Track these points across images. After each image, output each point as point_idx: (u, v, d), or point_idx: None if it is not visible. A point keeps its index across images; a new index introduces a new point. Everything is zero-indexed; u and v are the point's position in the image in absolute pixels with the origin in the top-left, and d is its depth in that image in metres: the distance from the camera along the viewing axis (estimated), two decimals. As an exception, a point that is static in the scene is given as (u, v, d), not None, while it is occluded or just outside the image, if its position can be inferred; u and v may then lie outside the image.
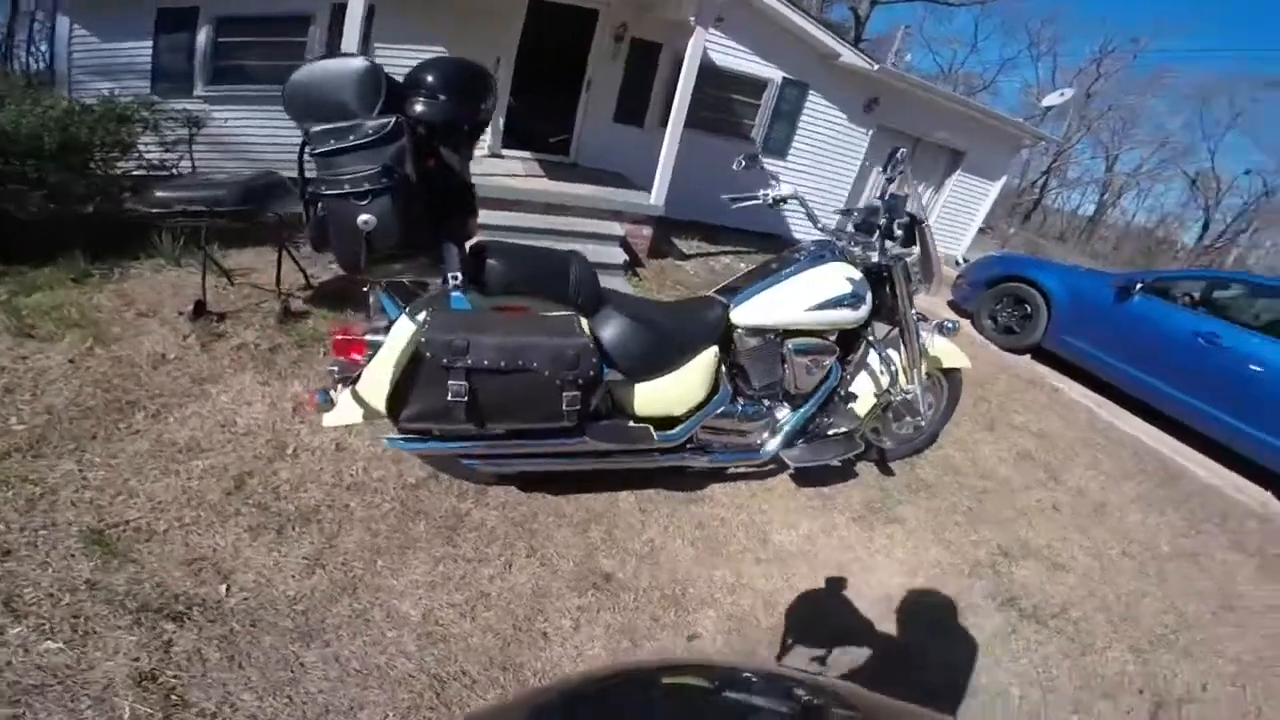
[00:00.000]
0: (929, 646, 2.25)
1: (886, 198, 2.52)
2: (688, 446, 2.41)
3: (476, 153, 6.94)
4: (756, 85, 7.84)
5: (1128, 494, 3.82)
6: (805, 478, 2.89)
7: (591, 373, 1.88)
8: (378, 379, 1.88)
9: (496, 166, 5.98)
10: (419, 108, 1.77)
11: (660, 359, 2.25)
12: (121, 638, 1.61)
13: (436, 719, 1.61)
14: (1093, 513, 3.47)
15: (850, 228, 2.64)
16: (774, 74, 7.84)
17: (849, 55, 7.82)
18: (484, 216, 4.75)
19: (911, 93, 8.70)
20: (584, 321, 2.00)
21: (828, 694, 0.63)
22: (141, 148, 4.61)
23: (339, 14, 4.72)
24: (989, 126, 9.78)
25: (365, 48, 5.65)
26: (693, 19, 5.21)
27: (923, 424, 2.92)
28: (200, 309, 3.15)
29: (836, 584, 2.43)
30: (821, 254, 2.55)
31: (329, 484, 2.27)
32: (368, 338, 2.00)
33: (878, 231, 2.51)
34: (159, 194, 3.06)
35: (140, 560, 1.83)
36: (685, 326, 2.32)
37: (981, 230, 11.38)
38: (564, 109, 7.31)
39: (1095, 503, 3.59)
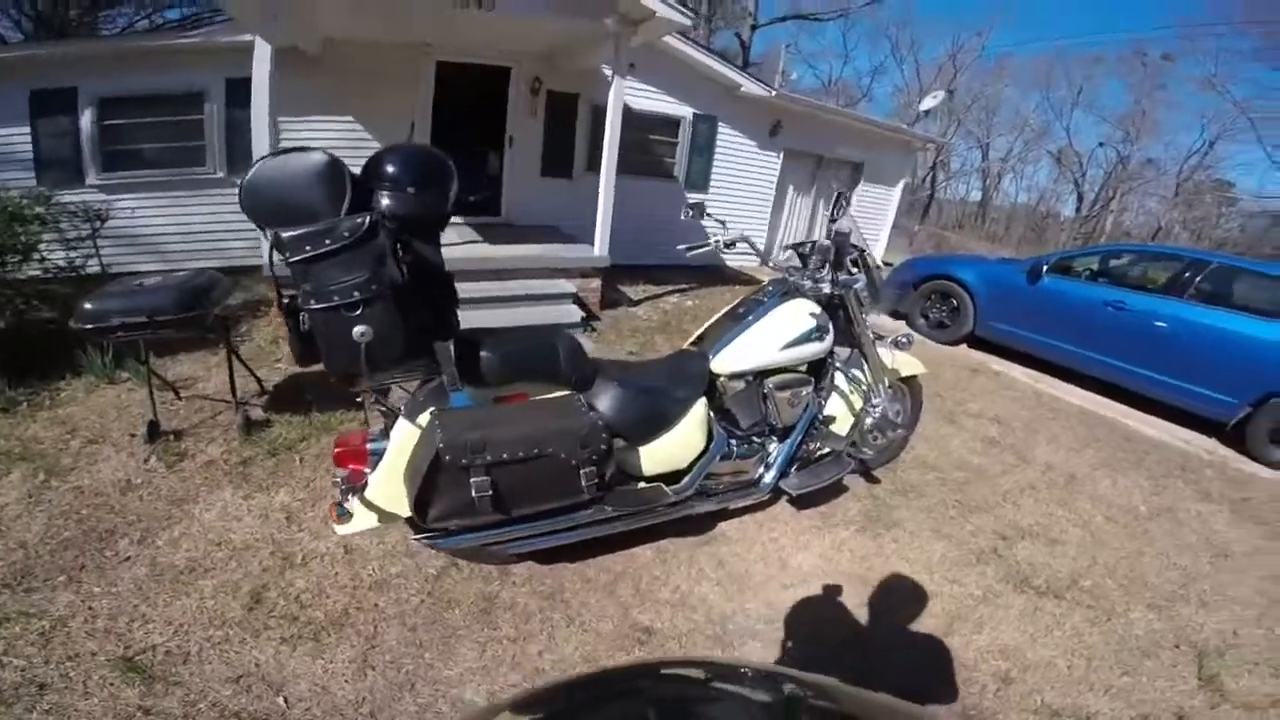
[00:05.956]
0: (970, 636, 2.38)
1: (834, 235, 2.74)
2: (693, 494, 2.49)
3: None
4: (671, 124, 8.20)
5: (1090, 461, 4.12)
6: (803, 501, 3.00)
7: (604, 447, 1.94)
8: (387, 484, 1.90)
9: (430, 238, 5.92)
10: (387, 201, 1.71)
11: (659, 420, 2.34)
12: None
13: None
14: (1066, 485, 3.72)
15: (799, 263, 2.83)
16: (685, 111, 8.22)
17: (748, 84, 8.30)
18: None
19: (809, 113, 9.29)
20: (582, 399, 2.08)
21: (809, 687, 0.65)
22: (42, 249, 4.15)
23: (235, 88, 4.56)
24: (882, 137, 10.54)
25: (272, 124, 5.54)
26: (607, 70, 5.45)
27: (899, 431, 3.14)
28: (155, 430, 3.02)
29: (863, 593, 2.54)
30: (781, 293, 2.72)
31: (350, 587, 2.26)
32: (369, 446, 2.01)
33: (828, 266, 2.71)
34: (88, 307, 2.72)
35: (184, 683, 1.82)
36: (674, 384, 2.41)
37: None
38: (489, 167, 7.36)
39: (1066, 475, 3.85)
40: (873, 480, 3.34)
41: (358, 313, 1.60)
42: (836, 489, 3.16)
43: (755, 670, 0.72)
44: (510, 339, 2.17)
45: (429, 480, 1.75)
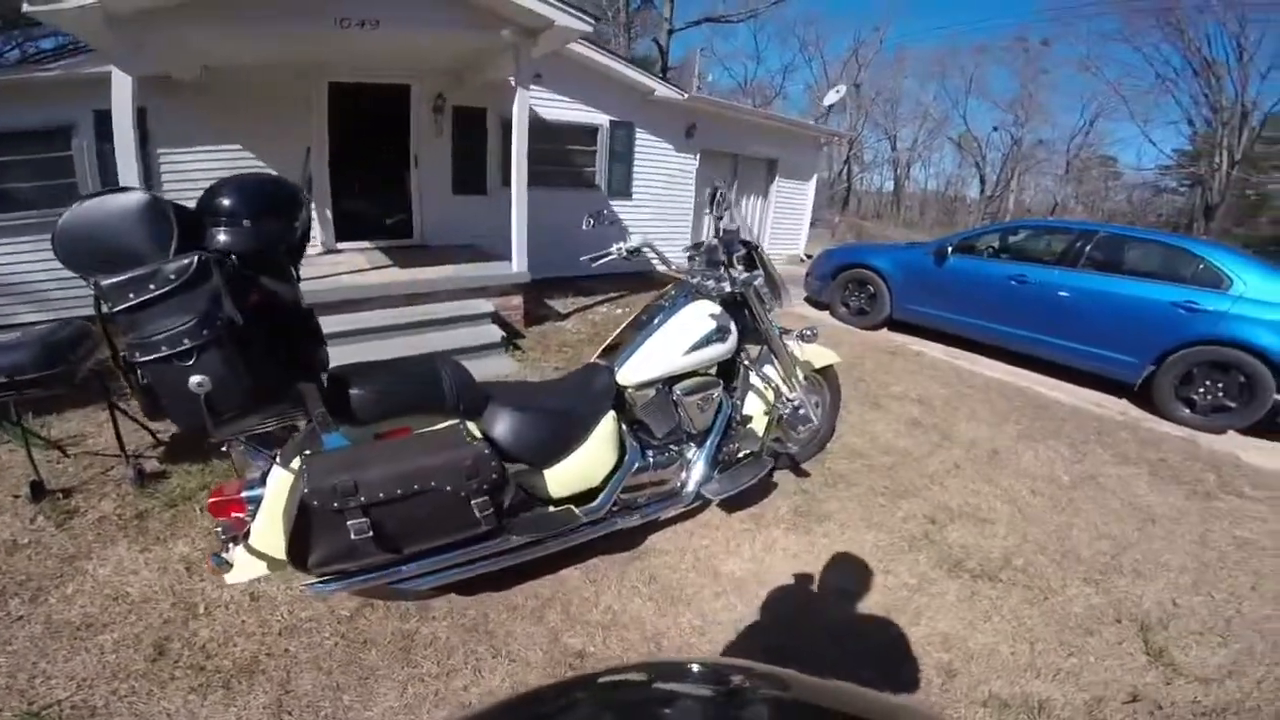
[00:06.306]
0: (908, 628, 2.35)
1: (721, 233, 2.71)
2: (614, 510, 2.42)
3: (310, 252, 6.45)
4: (589, 132, 8.17)
5: (1011, 434, 4.23)
6: (733, 503, 2.95)
7: (494, 475, 1.86)
8: (269, 532, 1.79)
9: (337, 264, 5.68)
10: (223, 238, 1.59)
11: (561, 441, 2.25)
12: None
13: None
14: (990, 461, 3.80)
15: (699, 264, 2.78)
16: (601, 119, 8.19)
17: (662, 89, 8.34)
18: (336, 322, 4.62)
19: (721, 114, 9.46)
20: (471, 426, 1.98)
21: (761, 678, 0.65)
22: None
23: (105, 121, 4.27)
24: (792, 133, 10.84)
25: (144, 156, 5.15)
26: (512, 80, 5.30)
27: (815, 422, 3.10)
28: (39, 490, 2.84)
29: (795, 594, 2.50)
30: (682, 296, 2.68)
31: (258, 634, 2.17)
32: (244, 495, 1.90)
33: (721, 265, 2.68)
34: None
35: (94, 738, 1.77)
36: (577, 402, 2.34)
37: (812, 224, 12.34)
38: (397, 189, 7.08)
39: (989, 451, 3.94)
40: (802, 474, 3.34)
41: (191, 361, 1.46)
42: (766, 487, 3.14)
43: (706, 666, 0.70)
44: (387, 372, 2.04)
45: (300, 528, 1.66)
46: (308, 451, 1.77)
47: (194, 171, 5.61)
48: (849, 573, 2.64)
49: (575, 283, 7.16)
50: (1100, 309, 5.09)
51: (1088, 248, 5.40)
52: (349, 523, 1.68)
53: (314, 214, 6.23)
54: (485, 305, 5.26)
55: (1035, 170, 29.95)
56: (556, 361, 4.99)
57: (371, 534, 1.71)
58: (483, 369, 4.51)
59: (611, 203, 8.50)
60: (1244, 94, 20.67)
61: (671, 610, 2.37)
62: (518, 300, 5.66)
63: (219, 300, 1.48)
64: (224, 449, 1.94)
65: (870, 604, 2.47)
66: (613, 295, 7.18)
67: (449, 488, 1.77)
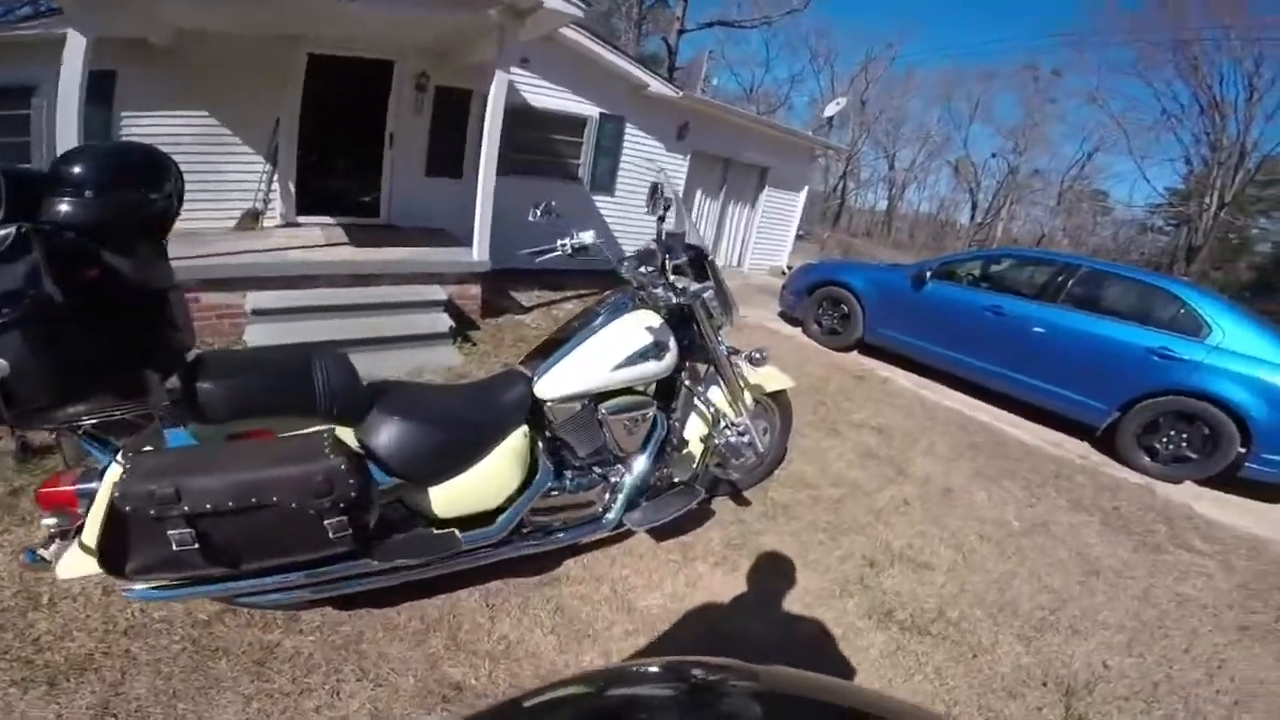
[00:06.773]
0: None
1: (663, 237, 2.45)
2: (523, 533, 2.21)
3: (268, 224, 6.08)
4: (576, 123, 7.91)
5: (966, 472, 4.08)
6: (664, 530, 2.73)
7: (354, 494, 1.63)
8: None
9: (292, 237, 5.42)
10: (64, 208, 1.42)
11: (453, 457, 2.02)
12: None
13: None
14: (942, 500, 3.64)
15: (630, 268, 2.50)
16: (591, 110, 7.94)
17: (657, 85, 8.11)
18: (278, 299, 4.35)
19: (716, 116, 9.23)
20: (338, 436, 1.75)
21: (726, 671, 0.67)
22: None
23: (68, 82, 4.08)
24: (786, 142, 10.65)
25: (107, 118, 5.04)
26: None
27: (760, 450, 2.85)
28: None
29: (709, 638, 2.30)
30: (622, 304, 2.45)
31: (100, 631, 2.00)
32: (77, 488, 1.68)
33: (665, 273, 2.44)
34: None
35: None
36: (480, 413, 2.11)
37: (799, 237, 12.18)
38: (369, 166, 6.79)
39: (941, 489, 3.77)
40: (742, 503, 3.15)
41: None
42: (704, 515, 2.94)
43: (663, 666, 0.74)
44: (249, 365, 1.84)
45: (113, 532, 1.49)
46: (147, 448, 1.57)
47: (156, 136, 5.30)
48: (770, 618, 2.46)
49: (543, 276, 6.85)
50: (1074, 349, 4.93)
51: (1069, 282, 5.22)
52: (170, 532, 1.49)
53: (275, 185, 5.99)
54: (439, 292, 5.01)
55: (1027, 200, 30.11)
56: (508, 357, 4.73)
57: (198, 546, 1.52)
58: (426, 360, 4.29)
59: (593, 197, 8.27)
60: (1246, 134, 20.85)
61: (575, 646, 2.17)
62: (476, 289, 5.41)
63: (35, 277, 1.30)
64: (53, 435, 1.72)
65: (786, 655, 2.27)
66: (583, 291, 6.91)
67: (295, 504, 1.56)
